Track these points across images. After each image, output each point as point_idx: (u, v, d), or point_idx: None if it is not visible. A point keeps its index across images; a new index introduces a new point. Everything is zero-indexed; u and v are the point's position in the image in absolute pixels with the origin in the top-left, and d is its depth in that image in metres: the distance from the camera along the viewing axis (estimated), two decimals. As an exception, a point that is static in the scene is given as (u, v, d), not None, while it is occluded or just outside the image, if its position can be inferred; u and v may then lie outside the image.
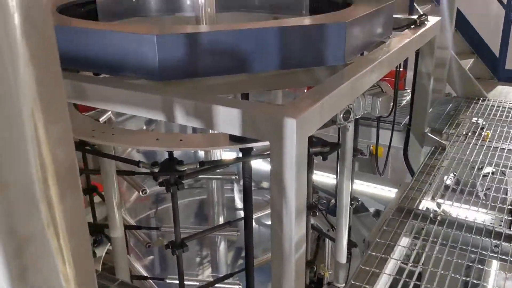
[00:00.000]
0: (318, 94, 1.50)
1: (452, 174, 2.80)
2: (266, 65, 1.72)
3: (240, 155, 2.10)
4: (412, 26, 2.49)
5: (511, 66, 4.85)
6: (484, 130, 3.27)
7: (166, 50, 1.59)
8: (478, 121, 3.39)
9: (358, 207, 3.16)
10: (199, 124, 1.50)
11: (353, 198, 2.69)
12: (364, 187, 3.48)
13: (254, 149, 2.03)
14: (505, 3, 4.70)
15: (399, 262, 2.04)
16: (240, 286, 2.63)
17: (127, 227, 2.59)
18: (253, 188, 2.20)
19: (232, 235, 2.87)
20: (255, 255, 2.50)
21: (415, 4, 3.59)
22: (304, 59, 1.77)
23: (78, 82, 1.67)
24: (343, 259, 2.51)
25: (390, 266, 2.01)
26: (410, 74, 3.23)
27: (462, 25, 4.53)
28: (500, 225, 2.30)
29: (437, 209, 2.43)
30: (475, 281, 1.90)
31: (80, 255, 0.59)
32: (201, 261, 3.95)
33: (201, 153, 3.52)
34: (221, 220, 3.23)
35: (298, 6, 2.58)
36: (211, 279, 3.02)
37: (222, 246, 3.51)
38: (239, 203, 3.81)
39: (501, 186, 2.61)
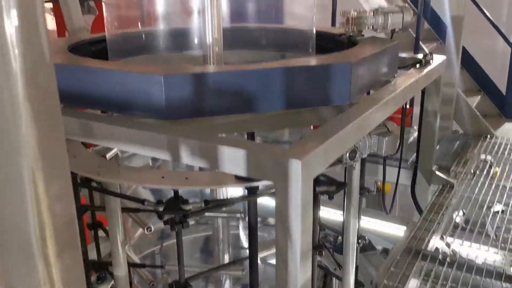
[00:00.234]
0: (323, 135, 1.50)
1: (461, 211, 2.76)
2: (271, 105, 1.72)
3: (246, 192, 2.09)
4: (418, 65, 2.51)
5: (518, 103, 4.83)
6: (493, 168, 3.24)
7: (172, 90, 1.60)
8: (487, 159, 3.37)
9: (365, 246, 3.10)
10: (204, 164, 1.50)
11: (360, 237, 2.64)
12: (371, 224, 3.43)
13: (260, 187, 2.01)
14: (511, 40, 4.73)
15: (408, 305, 1.99)
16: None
17: (131, 265, 2.56)
18: (259, 225, 2.18)
19: (237, 274, 2.83)
20: (261, 293, 2.45)
21: (420, 43, 3.63)
22: (310, 99, 1.78)
23: (85, 121, 1.68)
24: (350, 299, 2.45)
25: (399, 309, 1.96)
26: (416, 110, 3.22)
27: (468, 62, 4.54)
28: (511, 267, 2.25)
29: (446, 248, 2.39)
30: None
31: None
32: (206, 300, 3.88)
33: (207, 190, 3.51)
34: (226, 258, 3.19)
35: (305, 45, 2.61)
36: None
37: (227, 285, 3.45)
38: (244, 241, 3.77)
39: (510, 226, 2.57)
